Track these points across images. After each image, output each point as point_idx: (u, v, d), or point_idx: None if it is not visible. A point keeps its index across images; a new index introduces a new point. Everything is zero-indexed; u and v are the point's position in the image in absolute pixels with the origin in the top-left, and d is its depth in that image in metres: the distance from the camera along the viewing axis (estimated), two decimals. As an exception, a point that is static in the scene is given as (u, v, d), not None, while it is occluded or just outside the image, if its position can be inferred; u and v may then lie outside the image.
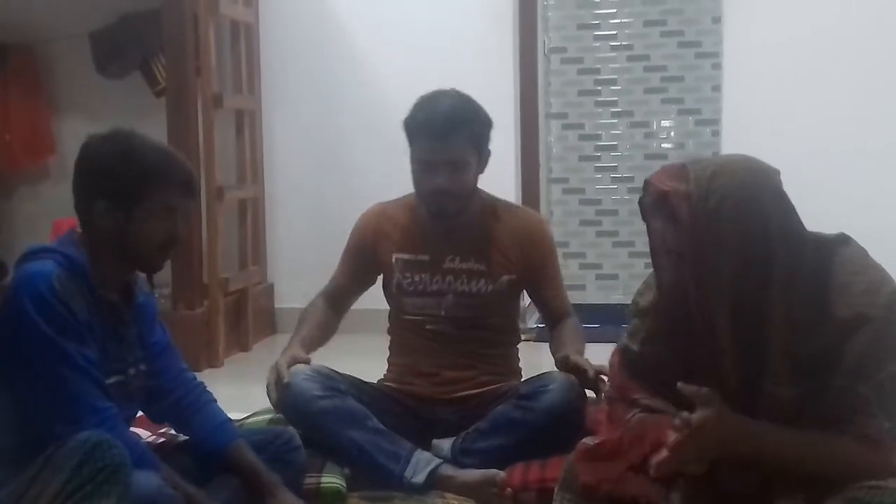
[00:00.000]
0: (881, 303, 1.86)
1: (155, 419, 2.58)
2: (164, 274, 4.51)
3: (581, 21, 5.65)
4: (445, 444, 2.84)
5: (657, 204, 1.89)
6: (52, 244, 2.27)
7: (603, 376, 2.64)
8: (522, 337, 3.15)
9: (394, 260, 2.96)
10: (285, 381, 2.77)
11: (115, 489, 1.95)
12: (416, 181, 2.85)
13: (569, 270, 5.66)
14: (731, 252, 1.82)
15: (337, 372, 2.88)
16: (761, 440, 1.85)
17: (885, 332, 1.86)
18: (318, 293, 3.09)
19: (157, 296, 4.46)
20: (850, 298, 1.87)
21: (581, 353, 2.85)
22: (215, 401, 2.55)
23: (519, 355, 3.10)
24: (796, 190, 1.93)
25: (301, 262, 5.08)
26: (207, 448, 2.45)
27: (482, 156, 2.87)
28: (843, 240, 1.96)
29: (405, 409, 2.94)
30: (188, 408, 2.49)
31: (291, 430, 2.68)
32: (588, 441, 2.06)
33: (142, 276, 2.39)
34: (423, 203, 2.87)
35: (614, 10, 5.62)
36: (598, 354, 2.74)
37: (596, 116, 5.68)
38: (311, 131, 5.24)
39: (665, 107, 5.60)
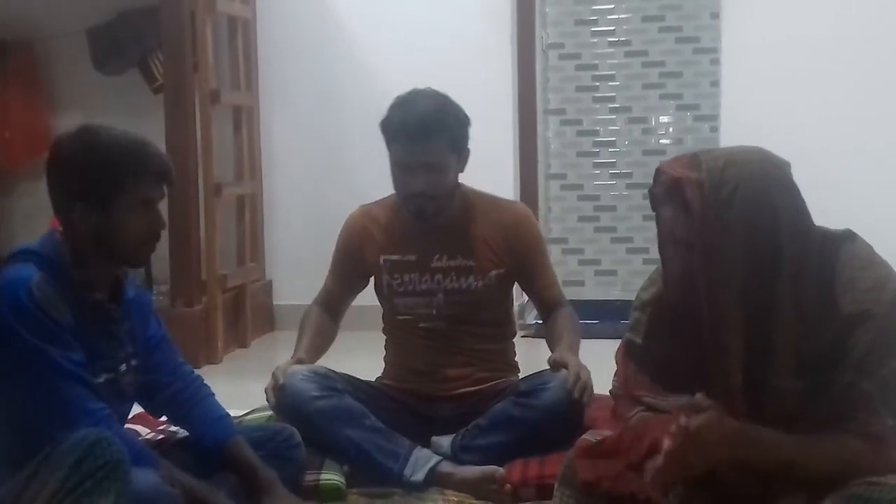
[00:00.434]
0: (886, 299, 1.86)
1: (153, 412, 2.58)
2: (163, 271, 4.54)
3: (579, 17, 5.64)
4: (444, 442, 2.84)
5: (669, 191, 1.89)
6: (34, 245, 2.24)
7: (582, 377, 2.66)
8: (520, 333, 3.15)
9: (381, 261, 2.96)
10: (280, 382, 2.76)
11: (113, 486, 1.95)
12: (395, 183, 2.85)
13: (567, 267, 5.66)
14: (740, 242, 1.82)
15: (334, 371, 2.88)
16: (760, 445, 1.85)
17: (890, 329, 1.86)
18: (312, 301, 3.08)
19: (155, 293, 4.50)
20: (855, 294, 1.86)
21: (575, 347, 2.84)
22: (213, 395, 2.55)
23: (515, 350, 3.09)
24: (801, 195, 1.93)
25: (299, 259, 5.08)
26: (205, 443, 2.45)
27: (461, 155, 2.86)
28: (850, 236, 1.96)
29: (403, 406, 2.93)
30: (186, 401, 2.49)
31: (291, 427, 2.67)
32: (588, 438, 2.06)
33: (134, 271, 2.38)
34: (404, 205, 2.87)
35: (612, 6, 5.61)
36: (598, 351, 2.74)
37: (594, 112, 5.68)
38: (309, 127, 5.24)
39: (663, 103, 5.59)
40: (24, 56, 5.27)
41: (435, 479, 2.73)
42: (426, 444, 2.83)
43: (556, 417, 2.69)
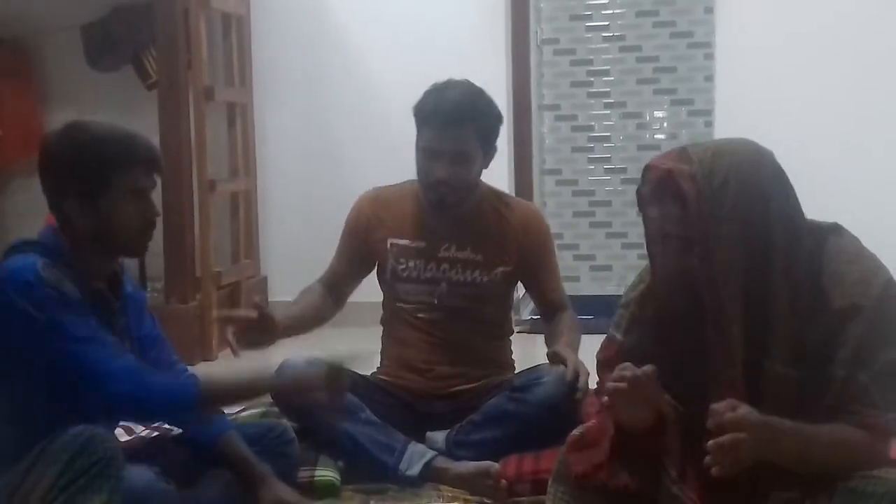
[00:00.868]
0: (874, 293, 1.87)
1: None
2: (157, 268, 4.53)
3: (573, 12, 5.63)
4: (439, 437, 2.84)
5: (661, 185, 1.89)
6: (34, 237, 2.26)
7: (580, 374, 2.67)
8: (516, 328, 3.15)
9: (388, 245, 2.95)
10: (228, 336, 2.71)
11: (107, 483, 1.95)
12: (420, 169, 2.84)
13: (562, 262, 5.59)
14: (736, 232, 1.83)
15: (330, 364, 2.87)
16: (789, 437, 1.84)
17: (880, 322, 1.87)
18: (316, 279, 3.07)
19: (149, 290, 4.49)
20: (844, 288, 1.87)
21: (575, 347, 2.84)
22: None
23: (512, 347, 3.09)
24: (790, 181, 1.93)
25: (294, 256, 5.07)
26: (200, 439, 2.45)
27: (488, 151, 2.86)
28: (836, 229, 1.96)
29: (399, 402, 2.93)
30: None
31: (285, 423, 2.68)
32: (576, 432, 2.07)
33: (129, 268, 2.38)
34: (424, 191, 2.86)
35: (606, 1, 5.61)
36: (593, 346, 2.73)
37: (588, 107, 5.67)
38: (304, 124, 5.23)
39: (658, 97, 5.59)
40: (16, 53, 5.25)
41: (430, 475, 2.73)
42: (421, 439, 2.83)
43: (550, 412, 2.69)
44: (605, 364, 2.09)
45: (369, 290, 3.11)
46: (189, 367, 2.58)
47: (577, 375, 2.68)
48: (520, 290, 3.14)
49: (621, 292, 2.23)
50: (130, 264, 2.60)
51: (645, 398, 1.90)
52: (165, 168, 2.37)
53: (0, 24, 5.18)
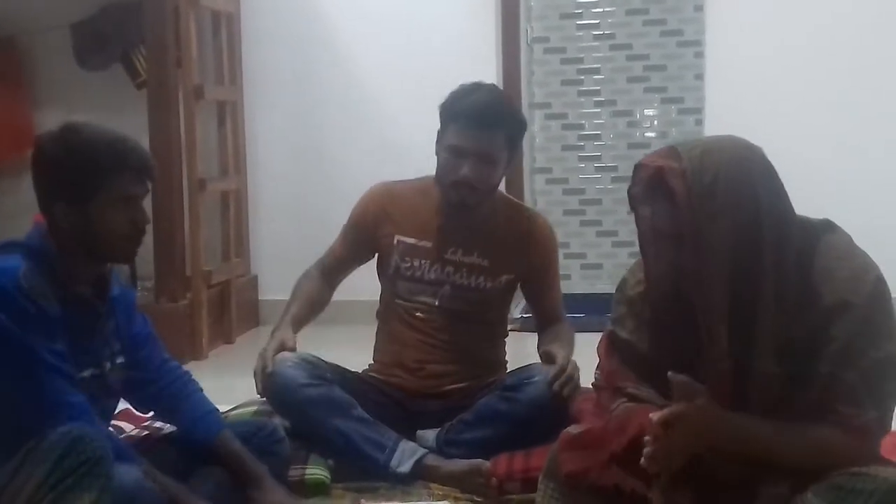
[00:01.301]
0: (865, 290, 1.87)
1: (140, 408, 2.58)
2: (147, 267, 4.52)
3: (563, 10, 5.64)
4: (430, 435, 2.84)
5: (651, 183, 1.89)
6: (21, 238, 2.24)
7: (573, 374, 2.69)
8: (507, 326, 3.14)
9: (395, 242, 2.94)
10: (269, 370, 2.75)
11: (96, 482, 1.94)
12: (444, 167, 2.81)
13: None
14: (726, 229, 1.82)
15: (323, 360, 2.87)
16: (744, 433, 1.86)
17: (869, 319, 1.86)
18: (314, 264, 3.07)
19: (139, 289, 4.48)
20: (834, 284, 1.87)
21: (568, 349, 2.84)
22: (201, 390, 2.55)
23: (506, 348, 3.09)
24: (780, 178, 1.93)
25: (284, 254, 5.06)
26: (194, 437, 2.45)
27: (512, 157, 2.87)
28: (828, 226, 1.96)
29: (390, 399, 2.93)
30: (174, 396, 2.48)
31: (275, 421, 2.67)
32: (572, 430, 2.06)
33: (119, 267, 2.37)
34: (445, 191, 2.84)
35: (596, 0, 5.61)
36: (584, 343, 2.73)
37: (579, 106, 5.68)
38: (294, 123, 5.23)
39: (648, 96, 5.60)
40: (5, 51, 5.24)
41: (421, 472, 2.73)
42: (412, 437, 2.83)
43: (541, 411, 2.69)
44: (612, 374, 2.08)
45: (362, 288, 3.10)
46: (181, 366, 2.58)
47: (560, 372, 2.68)
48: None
49: (612, 290, 2.23)
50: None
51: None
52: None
53: (-11, 22, 5.17)
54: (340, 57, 5.15)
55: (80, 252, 2.21)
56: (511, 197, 3.03)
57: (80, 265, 2.23)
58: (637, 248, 2.00)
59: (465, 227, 2.90)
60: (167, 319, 4.23)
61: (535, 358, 2.88)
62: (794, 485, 1.86)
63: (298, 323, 2.93)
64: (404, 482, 2.71)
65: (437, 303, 2.91)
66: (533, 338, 3.00)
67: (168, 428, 2.59)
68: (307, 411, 2.73)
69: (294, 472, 2.66)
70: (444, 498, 2.67)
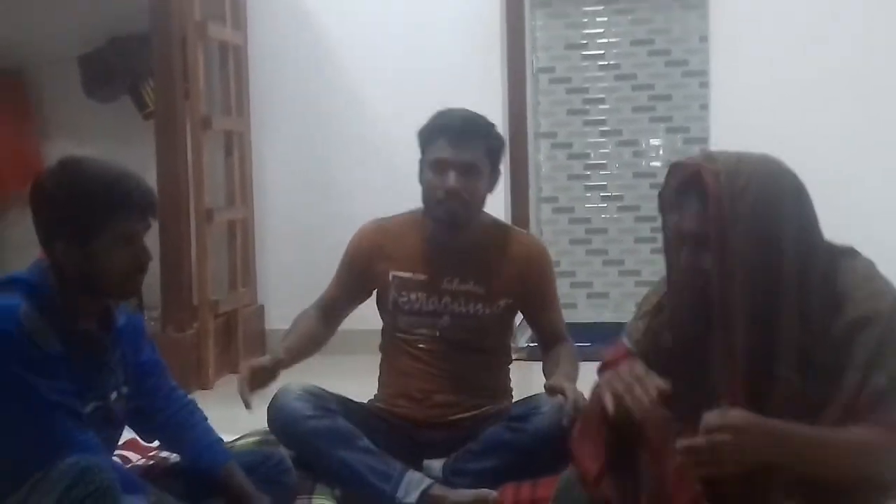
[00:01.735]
0: (887, 305, 1.90)
1: (146, 438, 2.57)
2: (154, 296, 4.53)
3: (569, 41, 5.67)
4: (436, 465, 2.84)
5: (686, 182, 1.93)
6: (22, 273, 2.22)
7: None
8: (513, 356, 3.14)
9: (391, 277, 2.95)
10: (245, 375, 2.72)
11: (103, 513, 1.94)
12: (428, 185, 2.84)
13: (559, 289, 5.64)
14: (749, 233, 1.87)
15: (327, 391, 2.87)
16: (791, 440, 1.84)
17: (893, 330, 1.89)
18: (312, 304, 3.07)
19: (146, 318, 4.48)
20: (856, 302, 1.90)
21: (573, 378, 2.83)
22: (207, 419, 2.54)
23: (510, 375, 3.09)
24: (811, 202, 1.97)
25: (291, 284, 5.07)
26: (198, 467, 2.44)
27: (494, 171, 2.89)
28: (851, 252, 2.00)
29: (395, 430, 2.92)
30: (179, 426, 2.47)
31: (282, 451, 2.67)
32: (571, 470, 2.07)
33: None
34: (432, 210, 2.86)
35: (602, 30, 5.65)
36: (590, 374, 2.73)
37: (585, 135, 5.70)
38: (301, 152, 5.25)
39: (653, 125, 5.62)
40: (13, 83, 5.27)
41: (427, 502, 2.72)
42: (418, 467, 2.82)
43: (548, 443, 2.67)
44: (608, 365, 2.10)
45: (364, 318, 3.11)
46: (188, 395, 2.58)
47: (572, 406, 2.67)
48: (518, 317, 3.14)
49: (619, 319, 2.26)
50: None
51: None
52: (163, 197, 2.36)
53: (-2, 54, 5.21)
54: (347, 87, 5.18)
55: (80, 289, 2.20)
56: (499, 219, 3.03)
57: (84, 300, 2.22)
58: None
59: (458, 256, 2.91)
60: (174, 349, 4.24)
61: (541, 387, 2.86)
62: (808, 497, 1.86)
63: (296, 352, 2.90)
64: (410, 513, 2.71)
65: (437, 333, 2.91)
66: (539, 367, 2.99)
67: (174, 458, 2.58)
68: (312, 443, 2.73)
69: (300, 503, 2.65)
70: (450, 528, 2.66)
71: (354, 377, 3.16)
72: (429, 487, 2.73)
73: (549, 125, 5.72)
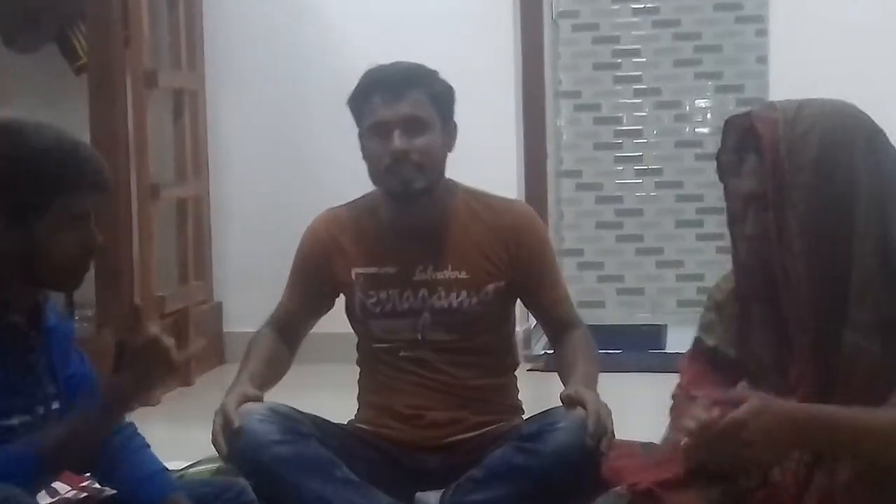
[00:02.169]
0: None
1: (75, 468, 2.58)
2: (87, 292, 4.52)
3: (595, -22, 5.68)
4: (432, 498, 2.85)
5: (744, 138, 2.02)
6: None
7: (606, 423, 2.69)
8: (526, 365, 3.16)
9: (353, 276, 2.96)
10: (235, 425, 2.76)
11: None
12: (372, 154, 2.88)
13: (584, 284, 5.67)
14: (815, 182, 1.95)
15: (298, 411, 2.88)
16: (817, 423, 1.94)
17: None
18: (264, 322, 3.09)
19: (77, 318, 4.48)
20: None
21: (592, 379, 2.85)
22: (148, 446, 2.54)
23: (518, 386, 3.10)
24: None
25: (254, 277, 5.08)
26: (137, 502, 2.44)
27: (447, 124, 2.91)
28: None
29: (382, 455, 2.93)
30: (114, 454, 2.47)
31: (243, 481, 2.67)
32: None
33: (54, 294, 2.39)
34: (382, 182, 2.88)
35: (636, -35, 5.66)
36: (621, 387, 2.74)
37: (615, 95, 5.71)
38: (267, 116, 5.25)
39: (699, 83, 5.63)
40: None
41: (421, 545, 2.73)
42: (409, 501, 2.83)
43: (567, 466, 2.68)
44: (691, 383, 2.24)
45: (342, 319, 3.11)
46: (125, 416, 2.59)
47: (595, 420, 2.68)
48: (529, 318, 3.15)
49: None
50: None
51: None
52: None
53: None
54: (323, 37, 5.18)
55: (16, 276, 2.22)
56: (476, 189, 3.04)
57: (14, 290, 2.24)
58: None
59: (429, 238, 2.92)
60: (110, 357, 4.24)
61: (559, 401, 2.88)
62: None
63: (260, 380, 2.91)
64: (400, 556, 2.72)
65: (419, 336, 2.92)
66: (557, 378, 3.00)
67: (109, 491, 2.59)
68: (280, 473, 2.73)
69: (265, 543, 2.66)
70: (449, 575, 2.67)
71: (331, 392, 3.17)
72: (423, 526, 2.75)
73: (571, 82, 5.73)
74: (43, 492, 2.57)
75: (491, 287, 2.93)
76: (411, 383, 2.94)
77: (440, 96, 2.90)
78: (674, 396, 2.34)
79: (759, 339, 2.13)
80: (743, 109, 5.19)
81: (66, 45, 5.02)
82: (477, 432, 2.93)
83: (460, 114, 2.95)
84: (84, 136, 4.32)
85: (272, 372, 3.00)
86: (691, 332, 2.43)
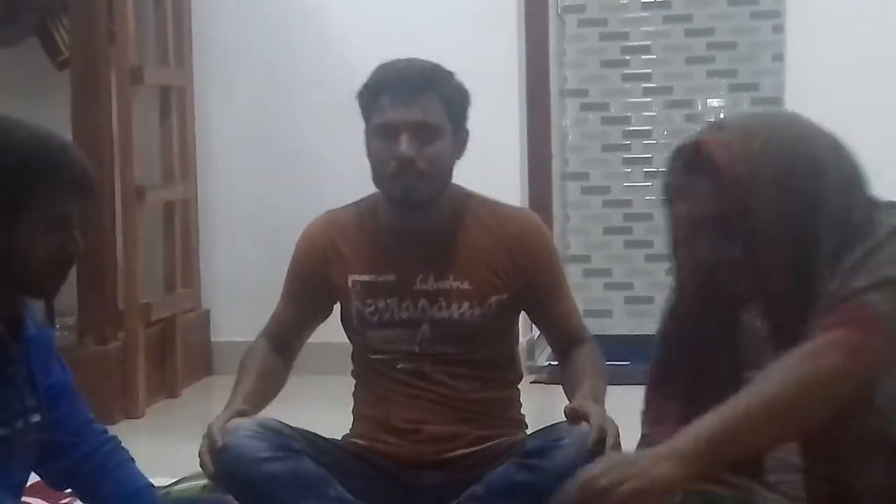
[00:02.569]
0: None
1: (54, 484, 2.57)
2: (69, 299, 4.52)
3: (604, -29, 5.68)
4: (431, 517, 2.84)
5: (690, 164, 2.03)
6: None
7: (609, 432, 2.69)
8: (529, 377, 3.15)
9: (350, 283, 2.95)
10: (219, 444, 2.75)
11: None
12: (376, 157, 2.86)
13: (590, 292, 5.67)
14: (781, 198, 1.95)
15: (288, 426, 2.87)
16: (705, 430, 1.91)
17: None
18: (259, 333, 3.08)
19: (58, 327, 4.48)
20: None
21: (599, 394, 2.84)
22: (132, 460, 2.54)
23: (521, 399, 3.09)
24: (873, 183, 2.00)
25: (244, 284, 5.08)
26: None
27: (458, 132, 2.90)
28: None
29: (378, 473, 2.93)
30: (96, 469, 2.48)
31: (229, 499, 2.67)
32: None
33: (34, 301, 2.38)
34: (385, 187, 2.88)
35: (647, -42, 5.65)
36: (629, 400, 2.73)
37: (624, 94, 5.71)
38: (258, 115, 5.25)
39: (712, 81, 5.63)
40: None
41: (418, 568, 2.73)
42: (407, 521, 2.83)
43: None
44: (647, 401, 2.24)
45: (338, 328, 3.10)
46: (108, 428, 2.58)
47: (602, 437, 2.68)
48: (532, 329, 3.15)
49: None
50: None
51: None
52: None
53: None
54: (318, 34, 5.18)
55: None
56: (482, 195, 3.03)
57: None
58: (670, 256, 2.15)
59: (430, 246, 2.91)
60: (93, 367, 4.25)
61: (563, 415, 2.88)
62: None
63: (256, 399, 2.90)
64: (396, 579, 2.72)
65: (417, 349, 2.92)
66: (561, 391, 3.00)
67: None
68: (270, 491, 2.71)
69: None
70: None
71: (324, 405, 3.17)
72: (420, 547, 2.75)
73: (577, 80, 5.72)
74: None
75: (494, 299, 2.92)
76: (409, 396, 2.93)
77: (454, 101, 2.89)
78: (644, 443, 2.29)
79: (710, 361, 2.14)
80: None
81: (47, 38, 5.02)
82: (478, 447, 2.92)
83: (461, 113, 2.95)
84: (66, 134, 4.31)
85: (268, 388, 2.98)
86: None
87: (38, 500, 2.93)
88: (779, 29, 5.37)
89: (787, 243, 1.96)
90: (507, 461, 2.83)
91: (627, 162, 5.73)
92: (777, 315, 2.02)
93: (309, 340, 3.10)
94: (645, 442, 2.26)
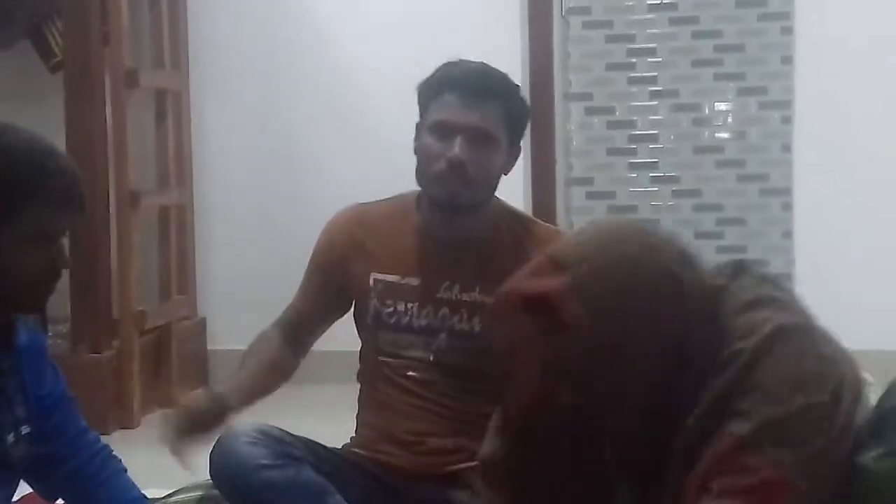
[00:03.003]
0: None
1: (46, 495, 2.57)
2: (62, 307, 4.52)
3: (609, -28, 5.68)
4: (431, 530, 2.84)
5: (529, 318, 1.99)
6: None
7: None
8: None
9: (372, 281, 2.95)
10: (174, 420, 2.73)
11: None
12: (426, 153, 2.84)
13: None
14: (648, 343, 1.88)
15: (289, 433, 2.87)
16: None
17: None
18: (272, 322, 3.07)
19: (51, 335, 4.48)
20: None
21: None
22: (125, 471, 2.55)
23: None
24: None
25: (241, 291, 5.08)
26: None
27: (513, 147, 2.90)
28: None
29: (379, 483, 2.93)
30: (89, 480, 2.48)
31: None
32: None
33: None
34: (428, 186, 2.86)
35: (653, -41, 5.66)
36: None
37: (629, 97, 5.70)
38: (255, 119, 5.25)
39: (720, 84, 5.62)
40: None
41: (419, 581, 2.73)
42: (408, 533, 2.83)
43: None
44: None
45: (340, 337, 3.11)
46: (101, 438, 2.58)
47: None
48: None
49: None
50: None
51: None
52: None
53: None
54: (315, 37, 5.18)
55: None
56: (515, 208, 3.03)
57: None
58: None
59: (460, 254, 2.90)
60: (87, 375, 4.25)
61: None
62: None
63: (242, 391, 2.89)
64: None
65: (431, 357, 2.91)
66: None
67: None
68: (269, 500, 2.72)
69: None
70: None
71: (326, 414, 3.17)
72: (421, 561, 2.75)
73: (581, 83, 5.72)
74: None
75: None
76: (414, 406, 2.93)
77: (515, 116, 2.89)
78: None
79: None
80: (765, 121, 5.14)
81: (40, 41, 5.03)
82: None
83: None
84: (60, 138, 4.33)
85: (269, 379, 2.96)
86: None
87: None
88: (787, 31, 5.37)
89: (656, 387, 1.87)
90: (510, 473, 2.84)
91: (633, 167, 5.72)
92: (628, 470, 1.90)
93: (314, 349, 3.10)
94: None
